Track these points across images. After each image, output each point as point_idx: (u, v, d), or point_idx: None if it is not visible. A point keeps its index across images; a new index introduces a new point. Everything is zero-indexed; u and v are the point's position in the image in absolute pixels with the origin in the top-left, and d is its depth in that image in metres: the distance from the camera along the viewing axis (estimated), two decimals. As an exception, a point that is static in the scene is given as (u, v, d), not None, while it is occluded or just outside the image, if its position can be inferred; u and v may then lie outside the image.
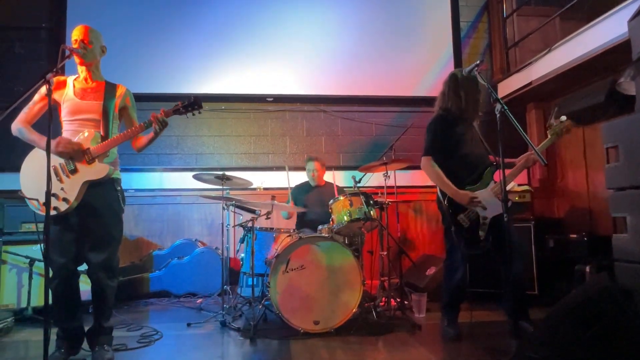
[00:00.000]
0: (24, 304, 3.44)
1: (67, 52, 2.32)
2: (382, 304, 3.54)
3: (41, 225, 2.02)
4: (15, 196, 2.41)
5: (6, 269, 3.51)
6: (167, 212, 4.82)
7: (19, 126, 2.40)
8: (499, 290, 3.77)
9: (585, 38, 3.75)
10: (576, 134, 4.60)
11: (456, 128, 2.87)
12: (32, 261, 3.44)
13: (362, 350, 2.68)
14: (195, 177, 3.63)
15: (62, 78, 2.46)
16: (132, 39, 4.86)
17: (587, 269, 3.38)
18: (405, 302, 3.63)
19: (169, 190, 4.83)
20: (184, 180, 4.68)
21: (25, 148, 2.42)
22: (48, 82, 2.04)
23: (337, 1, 5.19)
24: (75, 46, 2.40)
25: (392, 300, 3.57)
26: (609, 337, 2.13)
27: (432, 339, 2.88)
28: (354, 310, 3.01)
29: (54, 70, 2.10)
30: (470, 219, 2.78)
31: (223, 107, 5.01)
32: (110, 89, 2.52)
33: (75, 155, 2.34)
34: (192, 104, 2.44)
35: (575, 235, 4.02)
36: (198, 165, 4.90)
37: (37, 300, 3.45)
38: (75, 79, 2.51)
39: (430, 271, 4.10)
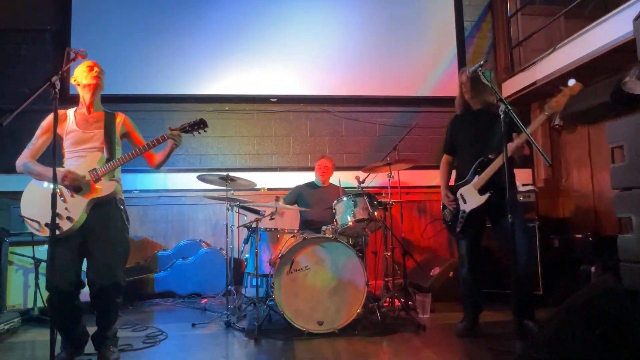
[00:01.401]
0: (30, 305, 3.47)
1: (72, 55, 2.33)
2: (386, 304, 3.54)
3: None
4: (21, 197, 2.43)
5: (12, 270, 3.54)
6: (171, 212, 4.84)
7: (23, 161, 2.42)
8: (502, 290, 3.78)
9: (590, 37, 3.73)
10: (581, 134, 4.58)
11: (464, 128, 3.09)
12: (37, 262, 3.46)
13: (367, 351, 2.68)
14: (199, 178, 3.64)
15: (62, 111, 2.48)
16: (136, 41, 4.88)
17: (592, 269, 3.37)
18: (410, 303, 3.62)
19: (173, 191, 4.85)
20: (189, 181, 4.70)
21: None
22: (53, 85, 2.06)
23: (340, 1, 5.19)
24: (95, 72, 2.47)
25: (396, 300, 3.57)
26: (614, 338, 2.12)
27: (436, 340, 2.88)
28: (358, 310, 3.01)
29: (59, 73, 2.12)
30: (452, 214, 3.02)
31: (227, 108, 5.03)
32: (109, 117, 2.56)
33: (83, 187, 2.36)
34: (198, 123, 2.57)
35: (580, 235, 4.00)
36: (202, 166, 4.91)
37: (43, 301, 3.46)
38: (75, 111, 2.55)
39: (435, 271, 4.10)
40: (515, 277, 2.78)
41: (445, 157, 3.21)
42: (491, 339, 2.83)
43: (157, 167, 2.66)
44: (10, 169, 4.32)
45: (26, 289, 3.54)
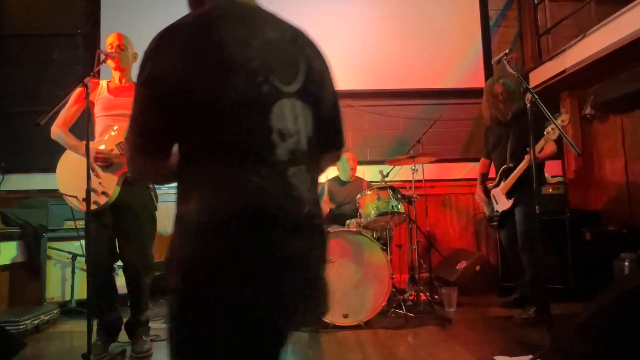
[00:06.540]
0: (67, 297, 3.63)
1: (102, 57, 2.42)
2: (411, 297, 3.53)
3: (80, 223, 2.14)
4: (58, 195, 2.54)
5: (51, 264, 3.72)
6: (199, 208, 4.94)
7: (57, 131, 2.51)
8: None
9: (622, 22, 3.59)
10: (614, 123, 4.42)
11: (494, 133, 3.37)
12: (74, 256, 3.61)
13: (392, 344, 2.69)
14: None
15: (94, 80, 2.52)
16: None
17: (626, 262, 3.26)
18: (436, 297, 3.60)
19: (200, 187, 4.94)
20: (215, 177, 4.79)
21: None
22: (85, 86, 2.15)
23: (362, -5, 5.16)
24: (111, 50, 2.50)
25: (421, 294, 3.55)
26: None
27: (463, 333, 2.86)
28: (383, 304, 3.02)
29: (91, 74, 2.21)
30: (489, 210, 3.40)
31: (251, 105, 5.08)
32: None
33: (114, 161, 2.43)
34: None
35: (613, 228, 3.87)
36: (228, 163, 4.98)
37: (80, 294, 3.62)
38: (108, 82, 2.62)
39: (461, 265, 4.05)
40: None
41: (482, 160, 3.56)
42: (519, 332, 2.79)
43: None
44: (47, 169, 4.53)
45: (64, 282, 3.70)
